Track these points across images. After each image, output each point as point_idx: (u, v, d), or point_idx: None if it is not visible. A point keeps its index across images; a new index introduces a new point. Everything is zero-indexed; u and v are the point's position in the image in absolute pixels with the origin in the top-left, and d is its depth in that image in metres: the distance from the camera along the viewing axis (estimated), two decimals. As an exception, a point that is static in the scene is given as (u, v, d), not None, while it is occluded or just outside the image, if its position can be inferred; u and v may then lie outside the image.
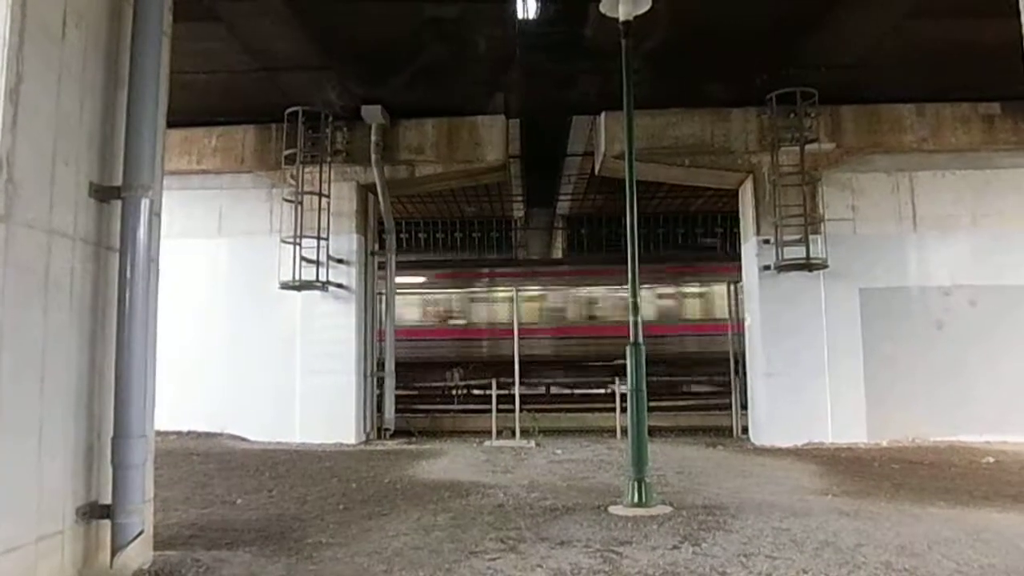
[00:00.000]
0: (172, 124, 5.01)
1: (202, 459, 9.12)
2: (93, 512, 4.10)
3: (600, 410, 12.44)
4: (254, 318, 11.07)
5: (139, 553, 4.28)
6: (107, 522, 4.13)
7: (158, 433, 4.84)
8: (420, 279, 18.13)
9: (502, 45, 8.84)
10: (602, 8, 7.01)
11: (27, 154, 3.62)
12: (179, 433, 10.60)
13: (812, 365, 10.27)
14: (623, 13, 6.90)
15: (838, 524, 5.49)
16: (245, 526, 5.64)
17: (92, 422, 4.14)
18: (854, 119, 10.64)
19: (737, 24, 8.36)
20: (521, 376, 11.31)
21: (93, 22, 4.17)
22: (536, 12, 7.91)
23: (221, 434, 10.79)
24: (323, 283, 10.66)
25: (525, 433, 10.76)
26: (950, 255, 10.64)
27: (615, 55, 7.05)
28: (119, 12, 4.39)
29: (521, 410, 10.95)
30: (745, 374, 11.05)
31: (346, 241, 11.09)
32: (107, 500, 4.15)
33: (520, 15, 7.95)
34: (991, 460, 8.62)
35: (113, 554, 4.09)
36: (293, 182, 10.69)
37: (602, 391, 14.27)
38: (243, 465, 8.65)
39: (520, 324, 11.93)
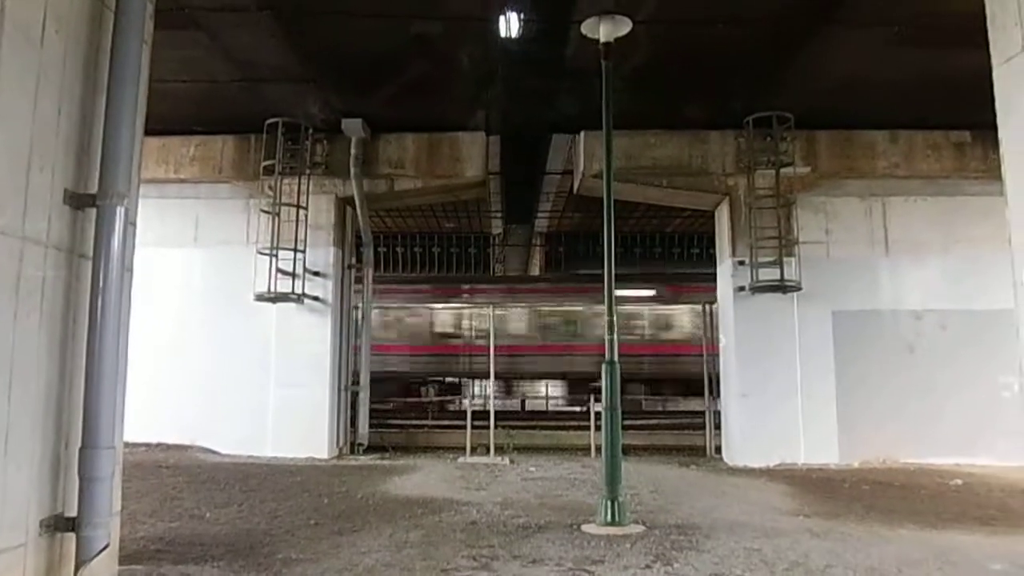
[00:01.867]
0: (150, 132, 4.96)
1: (171, 472, 8.99)
2: (58, 524, 4.01)
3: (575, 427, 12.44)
4: (228, 329, 10.92)
5: (104, 567, 4.19)
6: (72, 535, 4.04)
7: (127, 444, 4.76)
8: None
9: (484, 62, 8.90)
10: (583, 30, 7.11)
11: (1, 159, 3.58)
12: (148, 445, 10.40)
13: (785, 386, 10.35)
14: (604, 35, 7.01)
15: (809, 545, 5.53)
16: (214, 541, 5.56)
17: (60, 432, 4.06)
18: (828, 144, 10.79)
19: (717, 48, 8.48)
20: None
21: (73, 27, 4.14)
22: (518, 31, 7.99)
23: (191, 447, 10.61)
24: (299, 295, 10.57)
25: (499, 450, 10.73)
26: (921, 279, 10.80)
27: (595, 75, 7.13)
28: (100, 18, 4.36)
29: (496, 427, 10.92)
30: (719, 394, 11.12)
31: (323, 254, 11.03)
32: (72, 512, 4.06)
33: (503, 33, 8.02)
34: (959, 483, 8.73)
35: (77, 568, 4.00)
36: (271, 193, 10.61)
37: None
38: (213, 478, 8.54)
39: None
